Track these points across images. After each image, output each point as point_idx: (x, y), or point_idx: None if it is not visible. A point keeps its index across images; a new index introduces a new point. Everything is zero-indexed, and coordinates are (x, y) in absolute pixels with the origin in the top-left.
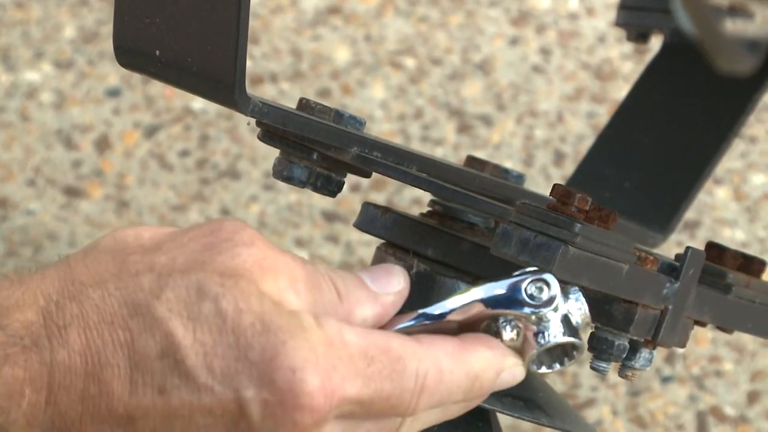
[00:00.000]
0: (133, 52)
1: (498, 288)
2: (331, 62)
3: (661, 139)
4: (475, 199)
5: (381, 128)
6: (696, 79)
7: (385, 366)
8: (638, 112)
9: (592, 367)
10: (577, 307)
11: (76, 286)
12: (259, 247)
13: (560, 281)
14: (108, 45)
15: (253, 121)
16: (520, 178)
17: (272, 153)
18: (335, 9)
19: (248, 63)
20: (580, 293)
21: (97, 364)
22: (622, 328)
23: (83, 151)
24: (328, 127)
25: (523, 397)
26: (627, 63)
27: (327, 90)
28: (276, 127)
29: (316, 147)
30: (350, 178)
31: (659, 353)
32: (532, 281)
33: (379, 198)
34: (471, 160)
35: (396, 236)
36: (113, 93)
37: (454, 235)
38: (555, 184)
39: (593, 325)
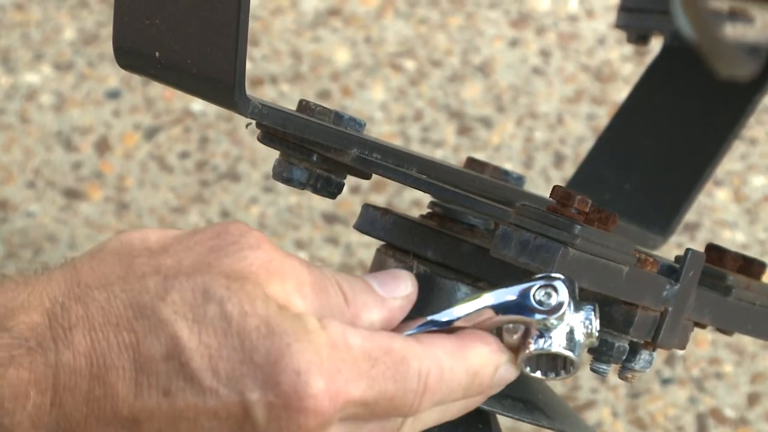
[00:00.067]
0: (133, 53)
1: (509, 294)
2: (331, 64)
3: (661, 141)
4: (475, 201)
5: (381, 130)
6: (696, 81)
7: (388, 367)
8: (638, 114)
9: (592, 369)
10: (584, 325)
11: (82, 288)
12: (266, 250)
13: (575, 296)
14: (108, 47)
15: (252, 123)
16: (520, 180)
17: (272, 155)
18: (335, 11)
19: (248, 65)
20: (593, 313)
21: (102, 366)
22: (622, 330)
23: (83, 152)
24: (328, 129)
25: (523, 398)
26: (627, 65)
27: (327, 92)
28: (276, 128)
29: (316, 149)
30: (350, 180)
31: (659, 355)
32: (541, 287)
33: (379, 200)
34: (471, 162)
35: (396, 238)
36: (113, 95)
37: (453, 237)
38: (555, 186)
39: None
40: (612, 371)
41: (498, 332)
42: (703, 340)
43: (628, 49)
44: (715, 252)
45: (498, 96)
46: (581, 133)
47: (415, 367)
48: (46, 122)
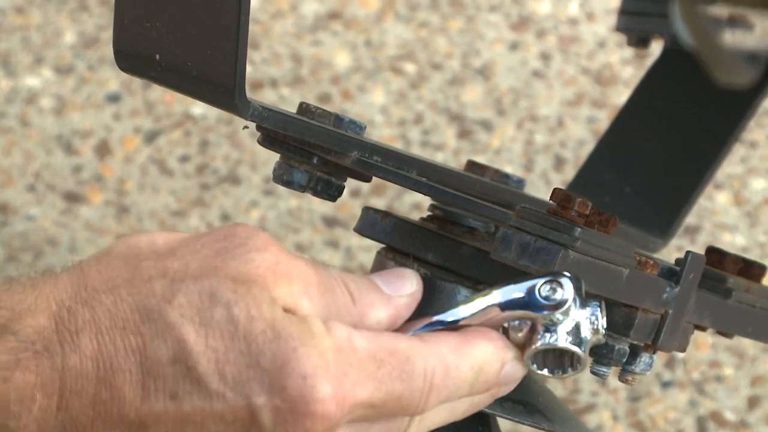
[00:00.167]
0: (133, 56)
1: (516, 291)
2: (332, 67)
3: (661, 144)
4: (476, 204)
5: (381, 133)
6: (696, 84)
7: (394, 367)
8: (638, 117)
9: (592, 372)
10: (591, 321)
11: (89, 292)
12: (273, 252)
13: (581, 293)
14: (108, 50)
15: (251, 125)
16: (520, 182)
17: (272, 158)
18: (335, 14)
19: (248, 68)
20: (599, 309)
21: (109, 370)
22: (622, 333)
23: (83, 156)
24: (329, 132)
25: (523, 401)
26: (627, 68)
27: (327, 95)
28: (276, 131)
29: (316, 151)
30: (350, 183)
31: (659, 358)
32: (546, 282)
33: (379, 203)
34: (471, 165)
35: (396, 241)
36: (113, 98)
37: (454, 240)
38: (555, 189)
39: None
40: (612, 374)
41: (504, 331)
42: (704, 343)
43: (629, 52)
44: (715, 255)
45: (498, 99)
46: (581, 136)
47: (420, 366)
48: (46, 126)
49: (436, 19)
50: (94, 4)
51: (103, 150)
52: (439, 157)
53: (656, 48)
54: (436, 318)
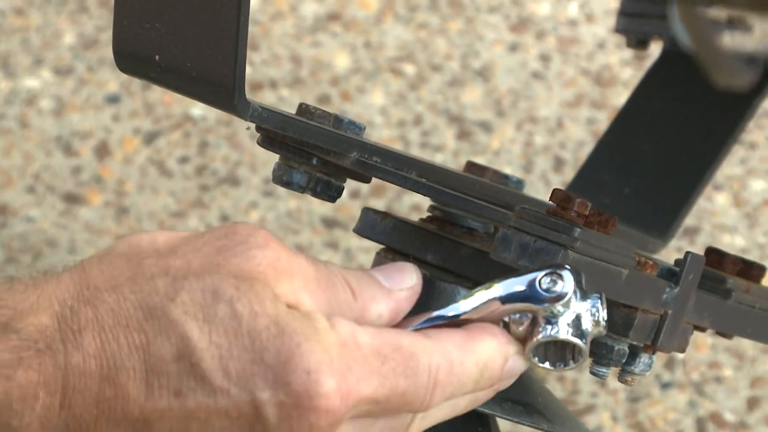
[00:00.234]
0: (133, 56)
1: (517, 284)
2: (331, 69)
3: (660, 145)
4: (475, 204)
5: (381, 134)
6: (695, 85)
7: (398, 363)
8: (638, 118)
9: (591, 372)
10: (591, 313)
11: (91, 291)
12: (273, 248)
13: (582, 285)
14: (107, 51)
15: (252, 126)
16: (519, 183)
17: (271, 160)
18: (335, 15)
19: (248, 69)
20: (600, 302)
21: (113, 367)
22: (621, 333)
23: (83, 157)
24: (328, 132)
25: (523, 401)
26: (626, 69)
27: (326, 96)
28: (275, 132)
29: (316, 152)
30: (349, 185)
31: (659, 359)
32: (547, 274)
33: (378, 204)
34: (470, 166)
35: (395, 241)
36: (113, 99)
37: (453, 241)
38: (555, 189)
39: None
40: (611, 375)
41: (505, 324)
42: (703, 344)
43: (628, 53)
44: (714, 255)
45: (498, 100)
46: (581, 137)
47: (425, 363)
48: (45, 127)
49: (435, 21)
50: (93, 6)
51: (102, 151)
52: (438, 158)
53: (655, 49)
54: (437, 313)
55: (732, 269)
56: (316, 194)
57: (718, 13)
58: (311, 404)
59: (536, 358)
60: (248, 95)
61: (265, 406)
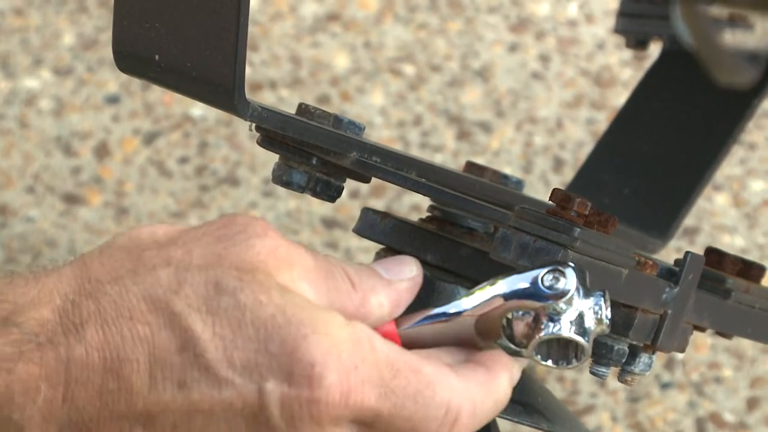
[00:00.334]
0: (133, 56)
1: (521, 281)
2: (331, 69)
3: (660, 146)
4: (475, 204)
5: (380, 135)
6: (695, 86)
7: (410, 383)
8: (637, 118)
9: (591, 372)
10: (594, 311)
11: (93, 284)
12: (272, 237)
13: (585, 283)
14: (107, 52)
15: (253, 126)
16: (519, 184)
17: (271, 160)
18: (334, 16)
19: (247, 70)
20: (603, 300)
21: (116, 360)
22: (621, 333)
23: (82, 158)
24: (328, 132)
25: (523, 401)
26: (626, 70)
27: (326, 97)
28: (275, 132)
29: (316, 152)
30: (349, 185)
31: (658, 359)
32: (550, 271)
33: (378, 204)
34: (470, 166)
35: (395, 241)
36: (112, 100)
37: (453, 240)
38: (554, 189)
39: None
40: (611, 375)
41: (507, 321)
42: (703, 345)
43: (627, 53)
44: (714, 255)
45: (497, 101)
46: (580, 137)
47: (443, 397)
48: (45, 127)
49: (435, 21)
50: (93, 6)
51: (102, 151)
52: (438, 159)
53: (655, 50)
54: (439, 309)
55: (732, 269)
56: (315, 194)
57: (720, 11)
58: (312, 396)
59: (539, 356)
60: (248, 95)
61: (269, 396)
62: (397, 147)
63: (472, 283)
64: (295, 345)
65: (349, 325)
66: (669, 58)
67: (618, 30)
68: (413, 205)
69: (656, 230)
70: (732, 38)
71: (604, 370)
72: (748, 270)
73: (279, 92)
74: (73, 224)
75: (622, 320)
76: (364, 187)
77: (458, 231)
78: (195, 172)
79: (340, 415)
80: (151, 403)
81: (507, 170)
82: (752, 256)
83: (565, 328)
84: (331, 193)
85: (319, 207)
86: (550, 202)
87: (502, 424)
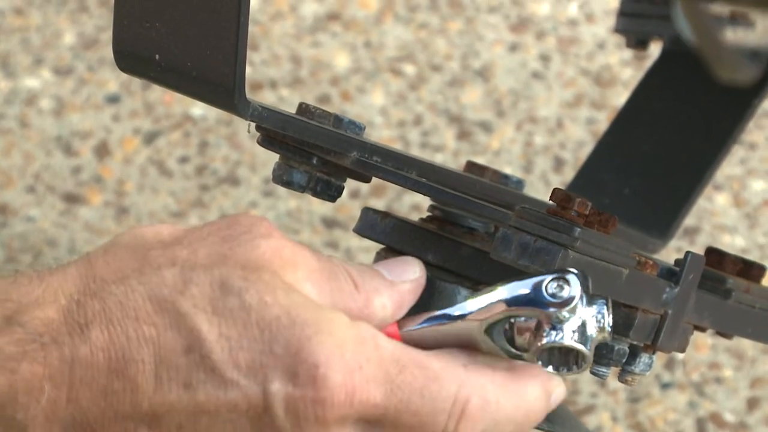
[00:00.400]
0: (133, 56)
1: (522, 287)
2: (331, 69)
3: (660, 146)
4: (475, 204)
5: (381, 135)
6: (695, 86)
7: (416, 378)
8: (638, 118)
9: (591, 372)
10: (597, 319)
11: (98, 283)
12: (277, 237)
13: (588, 290)
14: (107, 51)
15: (253, 126)
16: (519, 183)
17: (271, 160)
18: (335, 15)
19: (248, 69)
20: (605, 307)
21: (122, 360)
22: (621, 333)
23: (83, 157)
24: (328, 132)
25: None
26: (626, 69)
27: (326, 96)
28: (276, 131)
29: (316, 151)
30: (350, 185)
31: (659, 359)
32: (553, 279)
33: (378, 204)
34: (471, 166)
35: (395, 241)
36: (113, 99)
37: (453, 240)
38: (555, 189)
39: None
40: (611, 375)
41: (510, 326)
42: (703, 345)
43: (628, 53)
44: (714, 255)
45: (498, 100)
46: (581, 137)
47: (450, 389)
48: (45, 127)
49: (435, 21)
50: (93, 5)
51: (102, 151)
52: (438, 158)
53: (655, 49)
54: (442, 312)
55: (732, 269)
56: (316, 194)
57: (721, 9)
58: (316, 397)
59: (540, 362)
60: (248, 95)
61: (274, 397)
62: (398, 147)
63: (472, 282)
64: (299, 346)
65: (353, 325)
66: (669, 58)
67: (618, 30)
68: (414, 205)
69: (656, 230)
70: (733, 36)
71: (604, 370)
72: (749, 270)
73: (279, 92)
74: (73, 224)
75: (622, 320)
76: (364, 187)
77: (459, 231)
78: (195, 172)
79: (346, 414)
80: (156, 403)
81: (507, 170)
82: (753, 256)
83: (567, 337)
84: (331, 193)
85: (319, 207)
86: (551, 201)
87: None
